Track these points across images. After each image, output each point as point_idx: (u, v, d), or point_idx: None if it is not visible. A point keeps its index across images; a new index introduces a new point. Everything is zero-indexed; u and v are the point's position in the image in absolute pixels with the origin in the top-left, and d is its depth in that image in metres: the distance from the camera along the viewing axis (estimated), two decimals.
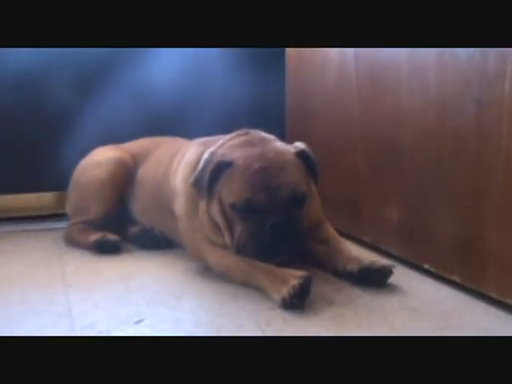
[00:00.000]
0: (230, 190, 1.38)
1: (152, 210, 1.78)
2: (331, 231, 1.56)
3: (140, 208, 1.84)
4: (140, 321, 1.17)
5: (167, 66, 2.13)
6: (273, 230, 1.33)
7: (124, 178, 1.84)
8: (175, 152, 1.72)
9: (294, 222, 1.37)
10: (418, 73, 1.40)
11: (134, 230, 1.80)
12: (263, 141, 1.44)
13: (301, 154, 1.45)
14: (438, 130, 1.35)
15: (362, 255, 1.46)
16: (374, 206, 1.65)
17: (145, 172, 1.84)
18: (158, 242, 1.75)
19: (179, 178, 1.59)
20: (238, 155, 1.40)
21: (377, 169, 1.63)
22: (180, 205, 1.57)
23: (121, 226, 1.83)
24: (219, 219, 1.43)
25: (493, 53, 1.15)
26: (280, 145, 1.45)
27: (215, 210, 1.43)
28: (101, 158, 1.86)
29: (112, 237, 1.72)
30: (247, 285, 1.36)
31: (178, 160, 1.66)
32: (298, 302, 1.22)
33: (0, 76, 1.98)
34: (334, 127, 1.81)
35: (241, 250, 1.39)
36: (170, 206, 1.64)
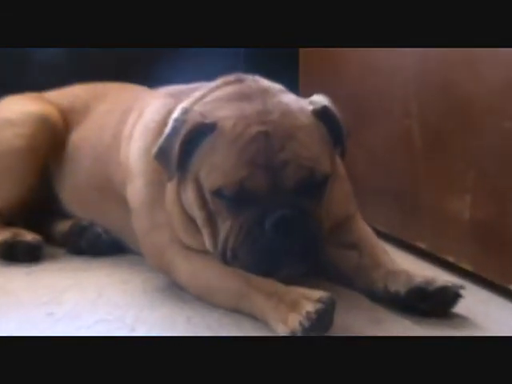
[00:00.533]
0: (214, 168, 1.32)
1: (92, 196, 1.73)
2: (366, 232, 1.52)
3: (73, 193, 1.79)
4: None
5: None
6: (278, 229, 1.27)
7: (48, 146, 1.78)
8: (129, 107, 1.67)
9: (309, 218, 1.32)
10: None
11: (63, 227, 1.75)
12: (264, 93, 1.39)
13: (321, 114, 1.39)
14: None
15: (413, 269, 1.40)
16: (436, 195, 1.61)
17: (81, 137, 1.78)
18: (100, 244, 1.70)
19: (136, 149, 1.54)
20: (225, 114, 1.35)
21: (440, 137, 1.58)
22: (136, 190, 1.52)
23: (43, 220, 1.79)
24: (196, 212, 1.37)
25: None
26: (290, 99, 1.40)
27: (190, 196, 1.37)
28: (11, 115, 1.80)
29: (29, 236, 1.67)
30: (238, 310, 1.32)
31: (134, 119, 1.61)
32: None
33: None
34: (373, 76, 1.76)
35: (229, 259, 1.34)
36: (119, 190, 1.60)
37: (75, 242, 1.72)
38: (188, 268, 1.43)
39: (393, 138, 1.76)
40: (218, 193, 1.32)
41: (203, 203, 1.35)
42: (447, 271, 1.57)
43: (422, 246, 1.68)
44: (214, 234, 1.36)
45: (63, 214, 1.82)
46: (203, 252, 1.40)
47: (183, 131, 1.33)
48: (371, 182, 1.81)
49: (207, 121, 1.33)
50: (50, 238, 1.76)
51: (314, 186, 1.34)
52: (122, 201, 1.60)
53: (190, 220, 1.41)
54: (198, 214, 1.38)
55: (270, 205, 1.29)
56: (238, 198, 1.31)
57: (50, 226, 1.79)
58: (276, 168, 1.29)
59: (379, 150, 1.82)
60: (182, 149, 1.34)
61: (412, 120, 1.69)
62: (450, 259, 1.59)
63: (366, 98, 1.78)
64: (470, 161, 1.51)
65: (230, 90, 1.42)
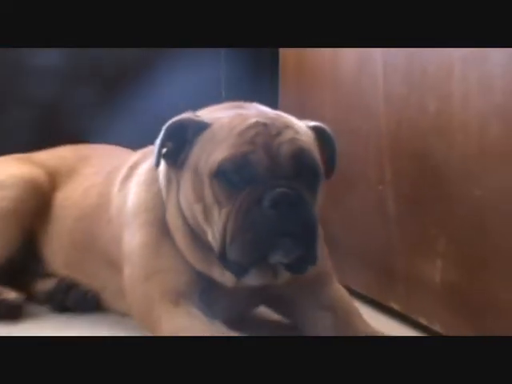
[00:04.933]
0: (215, 150, 1.25)
1: (76, 255, 1.60)
2: (341, 293, 1.42)
3: (58, 252, 1.64)
4: None
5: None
6: (277, 205, 1.20)
7: (34, 208, 1.66)
8: (114, 168, 1.59)
9: (306, 202, 1.24)
10: (479, 60, 1.32)
11: (46, 285, 1.61)
12: (260, 106, 1.36)
13: (316, 129, 1.35)
14: (506, 150, 1.23)
15: (385, 330, 1.34)
16: (408, 259, 1.52)
17: (66, 198, 1.66)
18: (85, 302, 1.58)
19: (132, 202, 1.47)
20: (221, 116, 1.30)
21: (413, 203, 1.52)
22: (132, 235, 1.43)
23: (26, 278, 1.66)
24: (194, 206, 1.28)
25: None
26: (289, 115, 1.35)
27: (187, 192, 1.29)
28: (1, 176, 1.69)
29: (11, 295, 1.52)
30: None
31: (123, 177, 1.54)
32: None
33: None
34: (347, 140, 1.69)
35: (228, 247, 1.23)
36: (107, 248, 1.50)
37: (61, 300, 1.60)
38: (174, 326, 1.31)
39: (367, 203, 1.70)
40: (218, 171, 1.24)
41: (200, 196, 1.28)
42: (421, 333, 1.50)
43: (396, 307, 1.58)
44: (213, 226, 1.28)
45: (47, 272, 1.68)
46: (193, 313, 1.32)
47: (169, 123, 1.33)
48: (347, 244, 1.71)
49: (202, 120, 1.31)
50: (33, 297, 1.63)
51: (310, 171, 1.27)
52: (105, 260, 1.51)
53: (193, 233, 1.34)
54: (196, 208, 1.29)
55: (269, 184, 1.22)
56: (238, 175, 1.24)
57: (34, 283, 1.66)
58: (274, 148, 1.24)
59: (354, 213, 1.75)
60: (169, 132, 1.32)
61: (386, 186, 1.62)
62: (423, 321, 1.49)
63: (342, 161, 1.75)
64: (441, 227, 1.45)
65: (225, 105, 1.39)
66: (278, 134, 1.25)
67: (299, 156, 1.25)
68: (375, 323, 1.40)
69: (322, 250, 1.43)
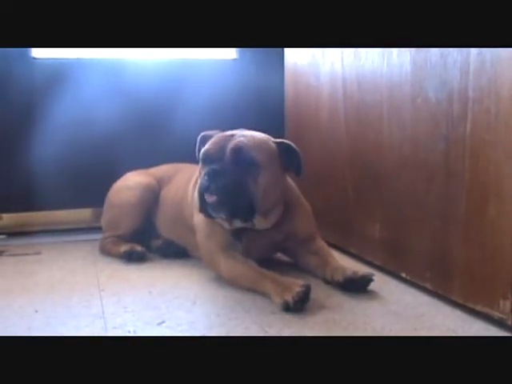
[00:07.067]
0: (205, 147, 1.40)
1: (172, 225, 1.73)
2: (322, 244, 1.52)
3: (162, 224, 1.79)
4: (161, 322, 1.16)
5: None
6: (209, 176, 1.28)
7: (149, 200, 1.79)
8: (190, 176, 1.67)
9: (236, 179, 1.28)
10: (396, 112, 1.39)
11: (157, 243, 1.76)
12: (247, 131, 1.40)
13: (281, 145, 1.38)
14: (412, 162, 1.34)
15: (348, 265, 1.41)
16: (360, 223, 1.61)
17: (167, 193, 1.79)
18: (177, 253, 1.70)
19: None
20: (221, 133, 1.41)
21: (362, 192, 1.59)
22: (198, 218, 1.49)
23: (146, 239, 1.79)
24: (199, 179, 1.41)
25: (457, 99, 1.16)
26: (261, 134, 1.41)
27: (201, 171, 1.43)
28: (131, 183, 1.83)
29: (139, 248, 1.69)
30: (254, 290, 1.31)
31: (193, 181, 1.61)
32: (299, 306, 1.19)
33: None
34: (327, 157, 1.78)
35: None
36: (188, 221, 1.60)
37: (164, 251, 1.73)
38: (226, 264, 1.40)
39: (337, 192, 1.73)
40: (201, 157, 1.38)
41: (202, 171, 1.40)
42: (367, 266, 1.54)
43: (353, 251, 1.66)
44: None
45: (157, 235, 1.80)
46: (236, 257, 1.39)
47: (201, 135, 1.47)
48: (325, 216, 1.76)
49: (212, 133, 1.42)
50: (150, 249, 1.75)
51: (245, 161, 1.31)
52: (189, 227, 1.59)
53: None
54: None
55: (214, 164, 1.31)
56: (206, 159, 1.36)
57: (150, 242, 1.78)
58: (225, 147, 1.32)
59: (330, 198, 1.78)
60: (200, 142, 1.45)
61: (346, 181, 1.67)
62: (369, 259, 1.57)
63: (322, 170, 1.74)
64: (378, 205, 1.50)
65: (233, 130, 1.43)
66: (233, 140, 1.34)
67: (238, 152, 1.32)
68: (341, 261, 1.47)
69: (310, 218, 1.54)
